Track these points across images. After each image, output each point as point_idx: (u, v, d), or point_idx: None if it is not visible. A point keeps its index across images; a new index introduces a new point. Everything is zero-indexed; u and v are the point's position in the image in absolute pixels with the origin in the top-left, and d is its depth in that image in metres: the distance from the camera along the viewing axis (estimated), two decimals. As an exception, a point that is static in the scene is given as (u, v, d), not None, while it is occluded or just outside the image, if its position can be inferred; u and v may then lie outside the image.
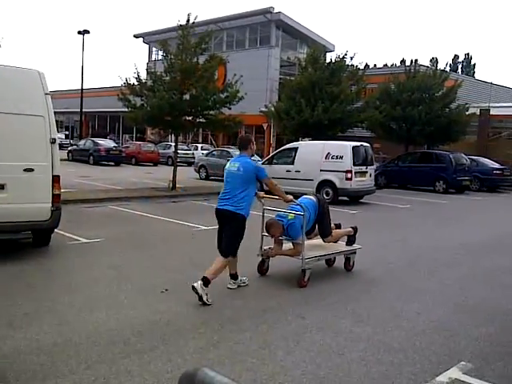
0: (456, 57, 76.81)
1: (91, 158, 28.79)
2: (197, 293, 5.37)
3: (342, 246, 7.26)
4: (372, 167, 16.37)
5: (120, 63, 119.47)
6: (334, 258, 7.39)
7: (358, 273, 7.21)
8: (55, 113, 7.56)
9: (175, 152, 17.95)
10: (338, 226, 7.35)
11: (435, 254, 8.73)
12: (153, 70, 16.49)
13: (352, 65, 23.91)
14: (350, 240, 7.26)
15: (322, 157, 15.43)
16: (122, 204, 13.14)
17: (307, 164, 15.64)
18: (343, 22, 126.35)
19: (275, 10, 38.87)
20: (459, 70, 72.44)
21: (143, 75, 16.72)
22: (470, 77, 48.36)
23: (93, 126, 58.38)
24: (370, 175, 16.10)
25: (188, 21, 16.03)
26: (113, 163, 29.06)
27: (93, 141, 30.69)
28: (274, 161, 16.92)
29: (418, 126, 24.05)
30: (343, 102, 21.92)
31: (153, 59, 44.64)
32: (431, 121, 23.99)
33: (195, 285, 5.39)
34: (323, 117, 21.31)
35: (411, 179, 21.71)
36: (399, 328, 4.99)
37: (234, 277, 6.07)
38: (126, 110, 17.23)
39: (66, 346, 4.20)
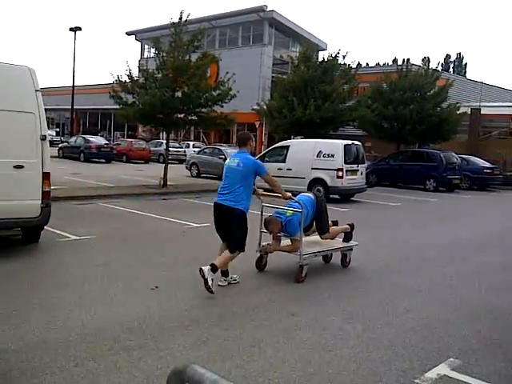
0: (448, 56, 77.34)
1: (82, 155, 28.63)
2: (203, 276, 5.48)
3: (338, 242, 7.36)
4: (363, 165, 16.42)
5: (112, 60, 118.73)
6: (331, 255, 7.51)
7: (349, 270, 7.26)
8: (46, 110, 7.54)
9: (167, 149, 17.91)
10: (335, 223, 7.47)
11: (425, 251, 8.78)
12: (145, 68, 16.42)
13: (344, 63, 23.95)
14: (347, 237, 7.39)
15: (313, 155, 15.47)
16: (113, 201, 13.10)
17: (299, 162, 15.66)
18: (336, 20, 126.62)
19: (268, 9, 38.93)
20: (451, 69, 72.87)
21: (135, 72, 16.68)
22: (461, 76, 48.62)
23: (84, 123, 58.12)
24: (362, 173, 16.15)
25: (181, 18, 16.00)
26: (104, 160, 28.90)
27: (84, 138, 30.51)
28: (266, 159, 16.88)
29: (409, 125, 24.18)
30: (335, 100, 21.97)
31: (145, 57, 44.52)
32: (422, 120, 24.13)
33: (203, 268, 5.52)
34: (315, 115, 21.33)
35: (402, 177, 21.83)
36: (389, 325, 5.02)
37: (224, 274, 6.09)
38: (118, 107, 17.16)
39: (55, 343, 4.18)
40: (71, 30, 33.50)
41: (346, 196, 16.04)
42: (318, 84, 22.19)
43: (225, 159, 20.57)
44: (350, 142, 15.88)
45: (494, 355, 4.42)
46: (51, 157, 7.86)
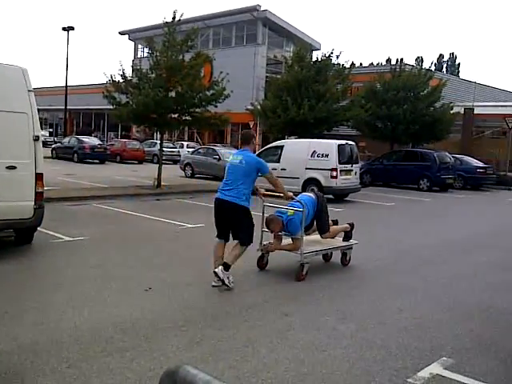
0: (441, 56, 77.60)
1: (75, 155, 28.50)
2: (218, 277, 5.70)
3: (338, 241, 7.46)
4: (357, 165, 16.45)
5: (105, 60, 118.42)
6: (331, 253, 7.60)
7: (343, 269, 7.30)
8: (39, 110, 7.50)
9: (160, 150, 17.87)
10: (336, 223, 7.56)
11: (419, 251, 8.82)
12: (138, 67, 16.37)
13: (338, 63, 23.99)
14: (347, 236, 7.49)
15: (307, 155, 15.49)
16: (107, 202, 13.05)
17: (293, 162, 15.67)
18: (330, 20, 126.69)
19: (262, 8, 38.89)
20: (444, 69, 73.12)
21: (129, 72, 16.63)
22: (454, 76, 48.77)
23: (77, 124, 57.88)
24: (355, 173, 16.18)
25: (174, 18, 15.97)
26: (97, 161, 28.80)
27: (77, 138, 30.40)
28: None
29: (402, 125, 24.25)
30: (329, 100, 22.00)
31: (138, 56, 44.42)
32: (416, 119, 24.20)
33: (216, 270, 5.74)
34: (309, 115, 21.36)
35: (396, 177, 21.90)
36: (382, 325, 5.03)
37: (226, 267, 6.08)
38: (112, 107, 17.10)
39: (47, 345, 4.16)
40: (64, 29, 33.38)
41: (340, 196, 16.06)
42: (312, 84, 22.22)
43: (219, 159, 20.61)
44: (343, 141, 15.90)
45: (486, 354, 4.44)
46: (44, 157, 7.83)
